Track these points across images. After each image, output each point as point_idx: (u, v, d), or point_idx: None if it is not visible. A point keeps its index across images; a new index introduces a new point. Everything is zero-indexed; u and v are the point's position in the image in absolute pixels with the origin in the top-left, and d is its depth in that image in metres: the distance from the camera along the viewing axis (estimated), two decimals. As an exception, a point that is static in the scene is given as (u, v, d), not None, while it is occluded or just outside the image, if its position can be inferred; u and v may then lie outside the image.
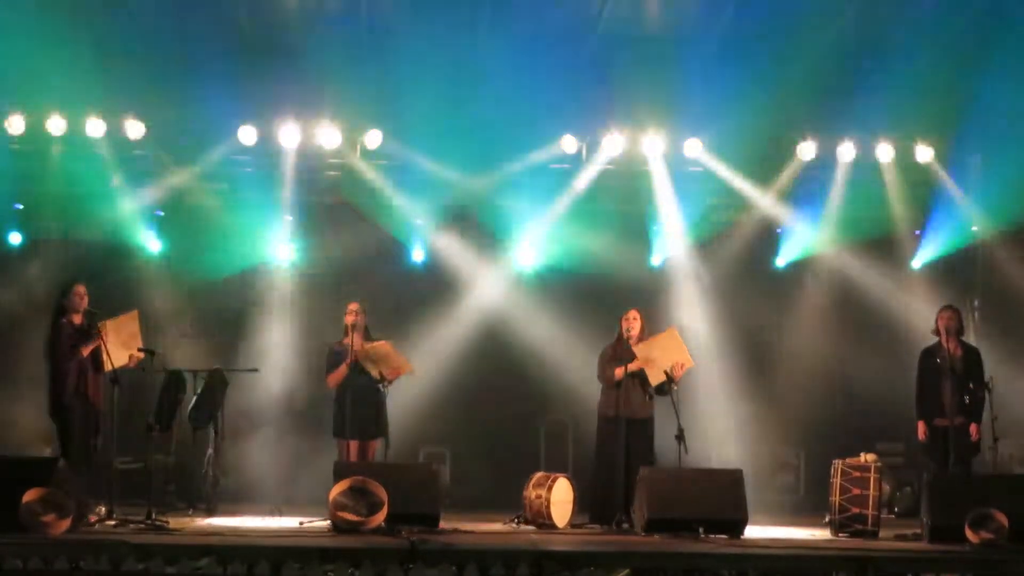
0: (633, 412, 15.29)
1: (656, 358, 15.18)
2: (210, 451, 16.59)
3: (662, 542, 13.48)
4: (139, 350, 14.53)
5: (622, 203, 19.47)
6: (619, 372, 15.24)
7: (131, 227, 19.02)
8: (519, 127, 18.27)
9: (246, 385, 18.18)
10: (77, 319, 14.47)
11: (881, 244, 19.63)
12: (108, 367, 14.12)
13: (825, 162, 18.99)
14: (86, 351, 14.30)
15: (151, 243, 19.23)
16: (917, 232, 19.69)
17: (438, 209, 19.21)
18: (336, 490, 13.62)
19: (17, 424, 17.77)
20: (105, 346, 14.09)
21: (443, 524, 14.07)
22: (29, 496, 12.52)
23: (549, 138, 18.73)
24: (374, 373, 15.43)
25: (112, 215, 18.76)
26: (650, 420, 15.48)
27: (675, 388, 15.13)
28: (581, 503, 15.35)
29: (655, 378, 15.23)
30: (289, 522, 14.60)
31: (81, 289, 14.53)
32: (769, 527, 15.18)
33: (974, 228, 19.45)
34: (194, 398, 16.83)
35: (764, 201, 19.34)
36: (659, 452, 15.46)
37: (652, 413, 15.49)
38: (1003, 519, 13.34)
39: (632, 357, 15.21)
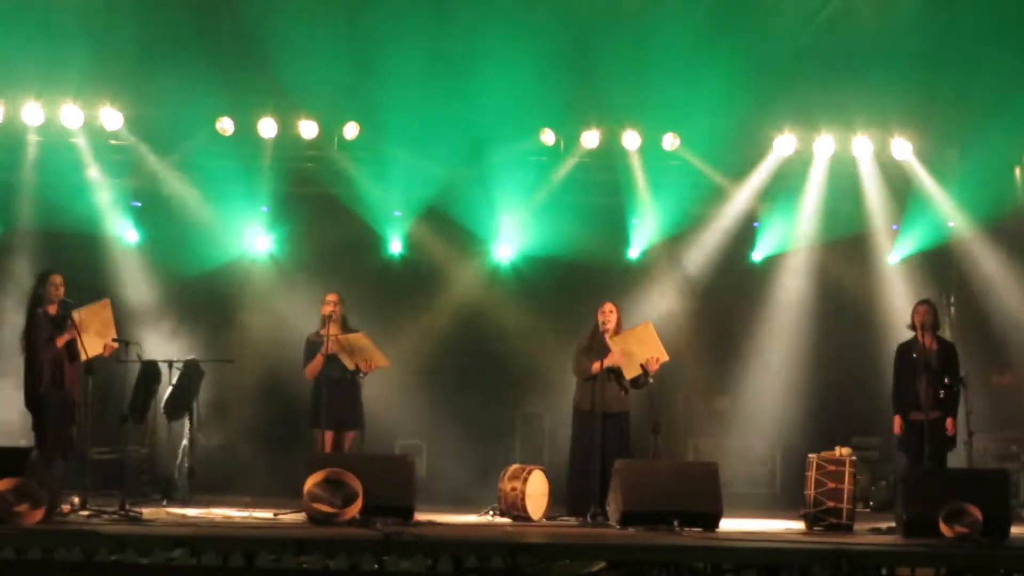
0: (608, 405, 15.27)
1: (631, 352, 15.18)
2: (185, 442, 16.57)
3: (637, 535, 13.49)
4: (113, 340, 14.52)
5: (599, 196, 19.45)
6: (595, 367, 15.23)
7: (108, 218, 18.97)
8: (497, 120, 18.25)
9: (222, 376, 18.17)
10: (52, 309, 14.46)
11: (858, 239, 19.66)
12: (83, 357, 14.09)
13: (802, 157, 19.02)
14: (61, 342, 14.30)
15: (128, 234, 19.19)
16: (894, 227, 19.71)
17: (416, 201, 19.18)
18: (311, 481, 13.60)
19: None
20: (80, 337, 14.06)
21: (417, 516, 14.04)
22: (2, 486, 12.48)
23: (527, 131, 18.71)
24: (349, 364, 15.43)
25: (89, 206, 18.71)
26: (626, 413, 15.49)
27: (650, 381, 15.16)
28: (556, 496, 15.35)
29: (630, 372, 15.24)
30: (263, 513, 14.58)
31: (57, 279, 14.51)
32: (744, 520, 15.17)
33: (951, 224, 19.47)
34: (169, 390, 16.81)
35: (741, 195, 19.35)
36: (634, 445, 15.46)
37: (628, 406, 15.49)
38: (977, 513, 13.36)
39: (607, 351, 15.20)
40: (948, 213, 19.28)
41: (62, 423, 14.35)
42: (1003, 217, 18.98)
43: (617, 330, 15.43)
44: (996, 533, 13.36)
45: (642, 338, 15.27)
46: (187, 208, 18.88)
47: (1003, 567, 12.09)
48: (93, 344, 14.21)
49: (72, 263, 16.34)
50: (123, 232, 19.15)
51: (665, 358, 15.37)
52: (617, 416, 15.37)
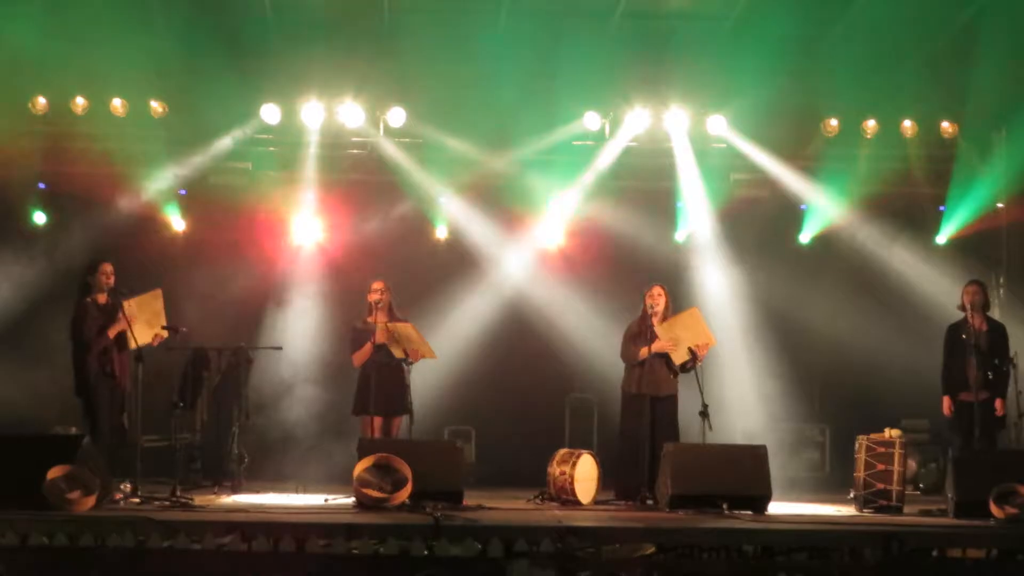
0: (657, 389, 15.27)
1: (679, 338, 15.17)
2: (234, 429, 16.62)
3: (686, 518, 13.48)
4: (163, 328, 14.62)
5: (646, 179, 19.44)
6: (643, 352, 15.23)
7: (155, 206, 19.06)
8: (542, 104, 18.26)
9: (271, 363, 18.25)
10: (102, 298, 14.56)
11: (905, 219, 19.57)
12: (132, 345, 14.17)
13: (849, 137, 18.93)
14: (112, 333, 14.40)
15: (175, 222, 19.27)
16: (941, 208, 19.61)
17: (462, 186, 19.20)
18: (360, 467, 13.64)
19: (44, 403, 17.83)
20: (130, 326, 14.14)
21: (467, 501, 14.07)
22: (54, 473, 12.57)
23: (572, 115, 18.70)
24: (397, 353, 15.46)
25: (137, 195, 18.80)
26: (674, 397, 15.47)
27: (699, 365, 15.15)
28: (605, 480, 15.36)
29: (678, 358, 15.23)
30: (314, 499, 14.63)
31: (108, 268, 14.60)
32: (793, 503, 15.16)
33: (999, 204, 19.36)
34: (218, 377, 16.89)
35: (788, 177, 19.28)
36: (683, 428, 15.45)
37: (676, 390, 15.48)
38: (1028, 494, 13.33)
39: (655, 336, 15.19)
40: (996, 193, 19.16)
41: (112, 411, 14.46)
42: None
43: (666, 314, 15.42)
44: (1048, 514, 13.29)
45: (689, 323, 15.26)
46: (233, 196, 18.92)
47: (1055, 547, 12.05)
48: (143, 333, 14.28)
49: (119, 252, 16.40)
50: (170, 220, 19.23)
51: (713, 343, 15.38)
52: (666, 399, 15.36)
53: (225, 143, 18.71)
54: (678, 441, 15.03)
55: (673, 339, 15.17)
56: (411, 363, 15.49)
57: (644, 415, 15.13)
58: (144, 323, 14.41)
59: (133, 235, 18.70)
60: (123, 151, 18.47)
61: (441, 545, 11.71)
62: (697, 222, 19.62)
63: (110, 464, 13.89)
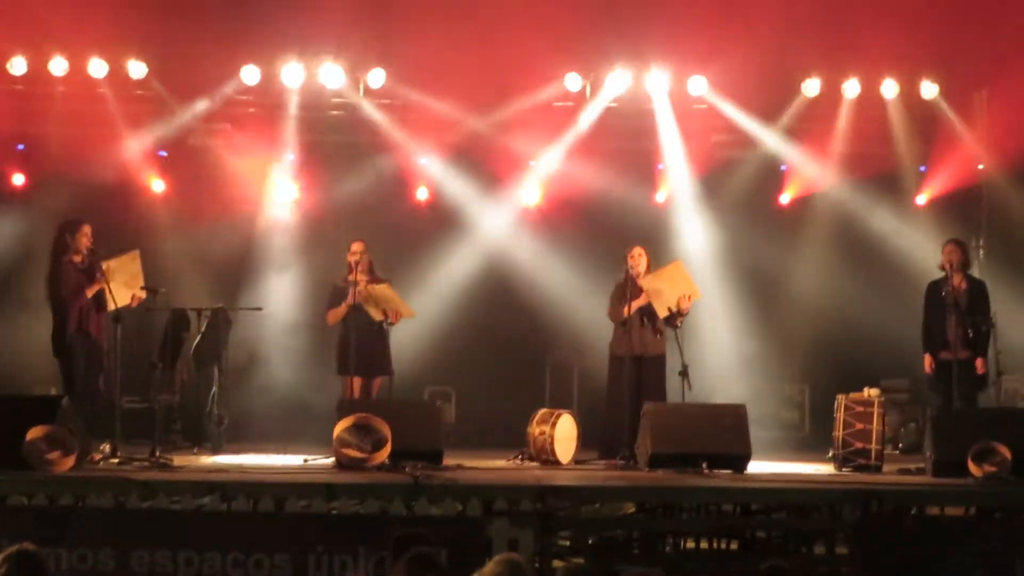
0: (644, 350, 15.32)
1: (661, 290, 15.17)
2: (214, 390, 16.60)
3: (666, 477, 13.50)
4: (142, 288, 14.58)
5: (626, 140, 19.40)
6: (625, 311, 15.24)
7: (134, 168, 18.98)
8: (523, 65, 18.19)
9: (250, 324, 18.23)
10: (78, 258, 14.50)
11: (885, 180, 19.54)
12: (111, 307, 14.16)
13: (830, 98, 18.91)
14: (90, 293, 14.37)
15: (154, 184, 19.20)
16: (922, 168, 19.61)
17: (441, 147, 19.16)
18: (340, 427, 13.64)
19: (22, 364, 17.80)
20: (108, 287, 14.12)
21: (446, 461, 14.09)
22: (34, 434, 12.56)
23: (553, 76, 18.66)
24: (376, 315, 15.45)
25: (115, 156, 18.71)
26: (661, 357, 15.49)
27: (680, 323, 15.15)
28: (588, 440, 15.38)
29: (662, 311, 15.23)
30: (293, 459, 14.63)
31: (88, 229, 14.56)
32: (773, 462, 15.16)
33: (980, 166, 19.36)
34: (197, 338, 16.86)
35: (768, 138, 19.25)
36: (668, 389, 15.46)
37: (663, 350, 15.49)
38: (1007, 452, 13.33)
39: (636, 291, 15.21)
40: (976, 154, 19.16)
41: (90, 371, 14.45)
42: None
43: (648, 273, 15.43)
44: (1026, 472, 13.34)
45: (673, 277, 15.28)
46: (213, 157, 18.87)
47: (1033, 506, 12.12)
48: (121, 295, 14.27)
49: (98, 213, 16.35)
50: (150, 182, 19.15)
51: (698, 295, 15.43)
52: (653, 359, 15.40)
53: (204, 104, 18.63)
54: (665, 401, 15.05)
55: (655, 291, 15.17)
56: (391, 324, 15.50)
57: (627, 376, 15.15)
58: (122, 284, 14.38)
59: (112, 197, 18.60)
60: (102, 112, 18.37)
61: (421, 504, 11.77)
62: (677, 183, 19.58)
63: (88, 424, 13.88)
